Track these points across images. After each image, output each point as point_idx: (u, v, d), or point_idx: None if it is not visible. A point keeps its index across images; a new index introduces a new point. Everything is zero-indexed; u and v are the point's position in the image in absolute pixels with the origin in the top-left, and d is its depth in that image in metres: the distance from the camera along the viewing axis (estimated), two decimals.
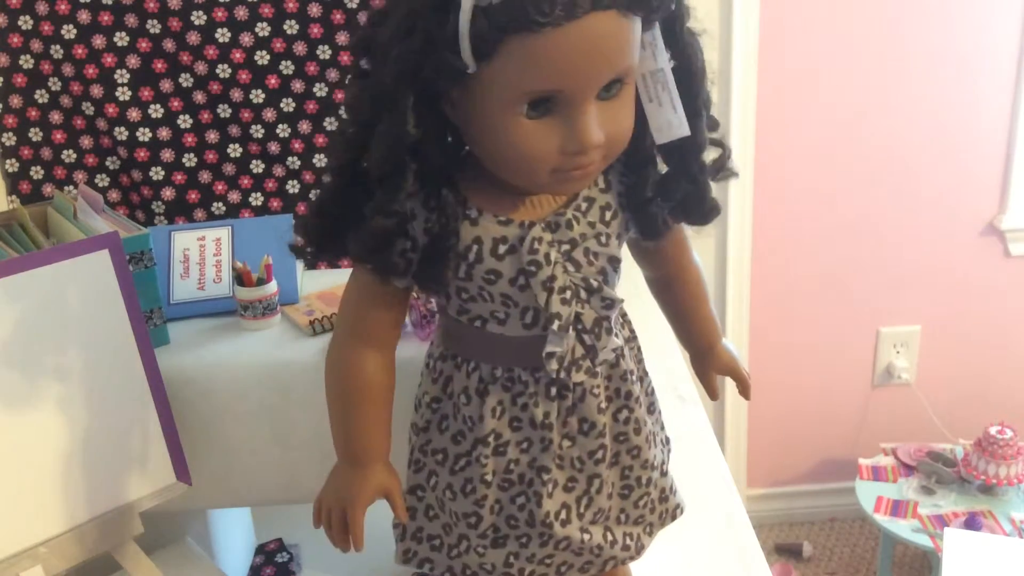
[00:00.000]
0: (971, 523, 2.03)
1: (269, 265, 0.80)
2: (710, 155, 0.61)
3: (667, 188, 0.60)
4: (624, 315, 0.68)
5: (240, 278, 0.79)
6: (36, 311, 0.67)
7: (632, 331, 0.69)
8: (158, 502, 0.74)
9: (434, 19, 0.51)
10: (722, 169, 0.61)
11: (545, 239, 0.58)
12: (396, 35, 0.53)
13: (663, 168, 0.60)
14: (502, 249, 0.58)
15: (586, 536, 0.64)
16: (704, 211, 0.61)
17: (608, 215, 0.60)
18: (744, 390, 0.72)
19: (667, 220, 0.61)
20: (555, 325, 0.58)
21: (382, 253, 0.56)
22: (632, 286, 0.72)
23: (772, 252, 2.17)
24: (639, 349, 0.69)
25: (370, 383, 0.62)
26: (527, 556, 0.65)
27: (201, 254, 0.86)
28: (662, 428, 0.73)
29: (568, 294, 0.58)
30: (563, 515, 0.63)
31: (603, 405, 0.63)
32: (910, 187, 2.04)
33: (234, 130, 1.12)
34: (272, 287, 0.79)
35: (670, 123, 0.56)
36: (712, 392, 0.73)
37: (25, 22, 1.06)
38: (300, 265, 0.88)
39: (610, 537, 0.66)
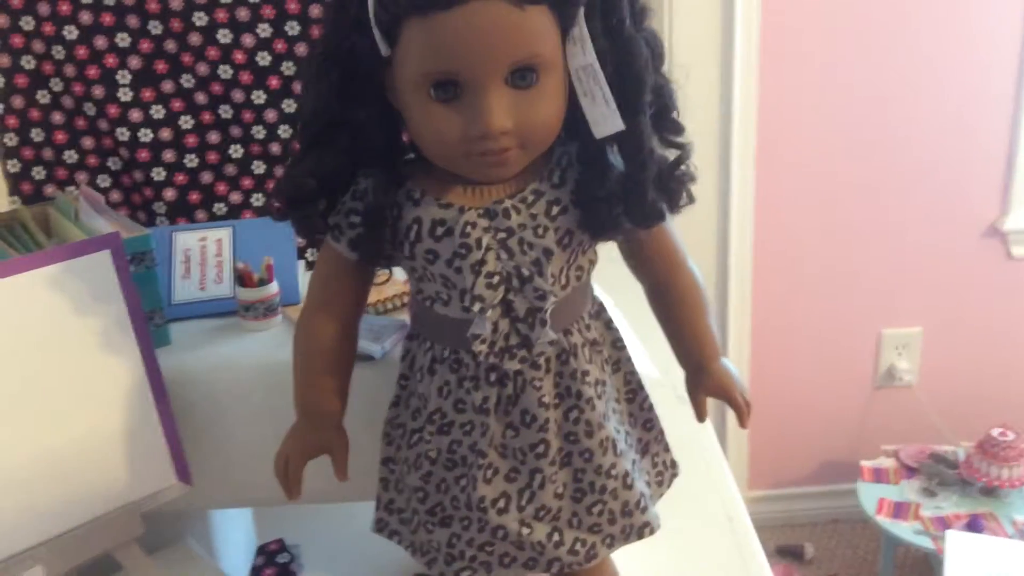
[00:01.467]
0: (973, 525, 2.03)
1: (270, 266, 0.80)
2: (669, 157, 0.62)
3: (617, 187, 0.60)
4: (599, 315, 0.68)
5: (241, 279, 0.79)
6: (37, 311, 0.67)
7: (605, 336, 0.68)
8: (159, 503, 0.74)
9: (357, 1, 0.57)
10: (676, 170, 0.62)
11: (480, 224, 0.60)
12: (333, 12, 0.60)
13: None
14: (440, 231, 0.61)
15: (526, 530, 0.65)
16: (643, 213, 0.61)
17: (555, 210, 0.61)
18: (740, 417, 0.70)
19: (619, 221, 0.61)
20: (476, 307, 0.60)
21: (300, 209, 0.62)
22: (630, 288, 0.72)
23: (774, 254, 2.17)
24: (620, 357, 0.69)
25: (324, 348, 0.67)
26: (467, 540, 0.66)
27: (202, 255, 0.86)
28: (666, 449, 0.73)
29: (496, 279, 0.60)
30: (500, 504, 0.64)
31: (546, 400, 0.63)
32: (912, 189, 2.04)
33: (236, 131, 1.12)
34: (274, 288, 0.79)
35: (604, 117, 0.58)
36: (700, 413, 0.71)
37: (27, 23, 1.06)
38: (302, 266, 0.88)
39: (556, 538, 0.66)
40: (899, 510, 2.12)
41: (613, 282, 0.77)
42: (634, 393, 0.70)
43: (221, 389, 0.77)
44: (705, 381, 0.70)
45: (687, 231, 0.69)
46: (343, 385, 0.69)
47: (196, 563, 0.81)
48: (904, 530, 2.07)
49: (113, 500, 0.72)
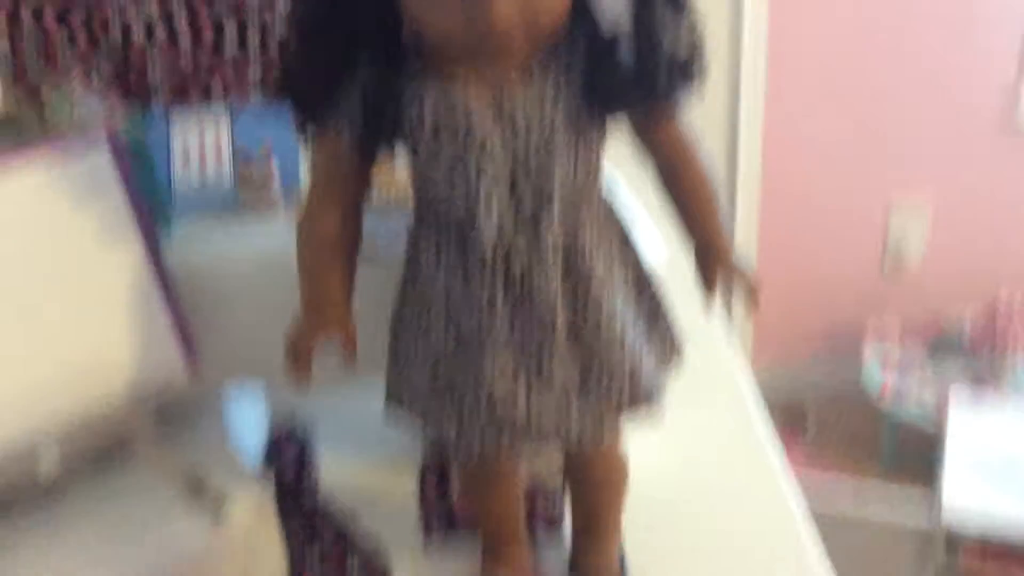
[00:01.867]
0: (976, 397, 2.06)
1: (269, 150, 0.79)
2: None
3: (627, 68, 0.59)
4: (607, 201, 0.67)
5: (241, 166, 0.78)
6: (35, 209, 0.67)
7: (614, 221, 0.68)
8: (169, 389, 0.75)
9: None
10: (687, 47, 0.61)
11: (484, 111, 0.59)
12: None
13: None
14: (442, 116, 0.60)
15: (534, 408, 0.65)
16: (653, 93, 0.61)
17: (562, 91, 0.60)
18: (747, 297, 0.70)
19: (629, 102, 0.60)
20: (482, 201, 0.59)
21: (298, 95, 0.62)
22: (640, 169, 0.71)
23: (783, 124, 2.14)
24: (628, 242, 0.69)
25: (327, 240, 0.67)
26: (477, 420, 0.66)
27: (200, 141, 0.85)
28: (672, 331, 0.73)
29: (501, 167, 0.59)
30: (509, 382, 0.65)
31: (554, 288, 0.63)
32: (926, 62, 1.99)
33: (231, 23, 1.09)
34: (274, 175, 0.78)
35: None
36: (708, 292, 0.70)
37: None
38: (301, 149, 0.87)
39: (563, 415, 0.66)
40: (902, 383, 2.15)
41: (623, 162, 0.76)
42: (642, 277, 0.70)
43: (227, 277, 0.77)
44: (713, 259, 0.69)
45: (696, 106, 0.67)
46: (349, 275, 0.69)
47: (212, 443, 0.83)
48: (907, 403, 2.11)
49: (123, 388, 0.73)
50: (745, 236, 2.27)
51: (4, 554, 0.72)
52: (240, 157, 0.78)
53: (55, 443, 0.69)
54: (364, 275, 0.71)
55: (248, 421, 1.00)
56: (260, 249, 0.78)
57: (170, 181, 0.83)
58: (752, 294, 0.70)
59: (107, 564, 0.71)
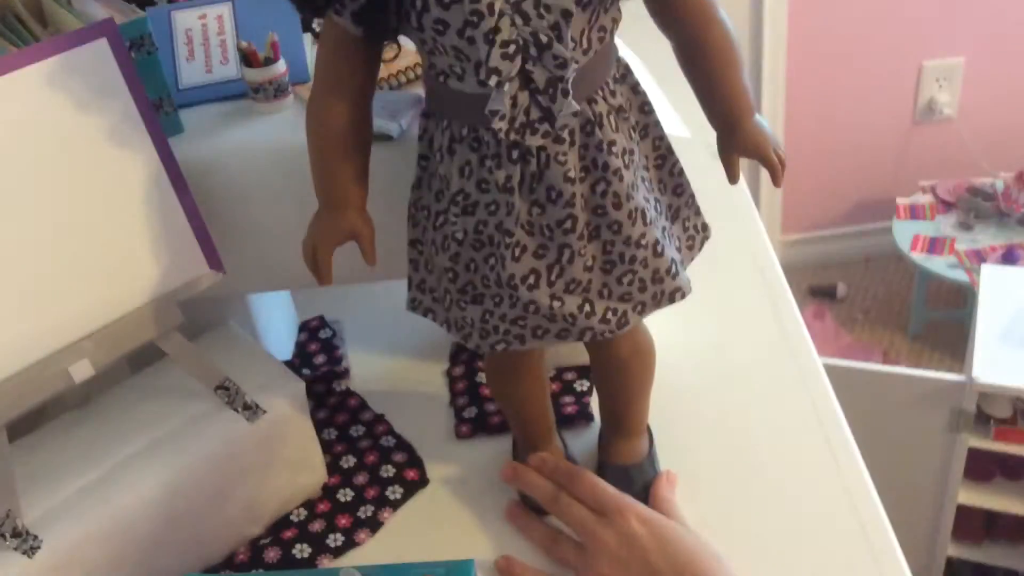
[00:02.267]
0: (1009, 256, 2.03)
1: (275, 43, 0.76)
2: None
3: None
4: (624, 79, 0.64)
5: (247, 59, 0.76)
6: (40, 109, 0.65)
7: (632, 100, 0.65)
8: (194, 290, 0.74)
9: None
10: None
11: None
12: None
13: None
14: None
15: (556, 303, 0.64)
16: None
17: None
18: (774, 177, 0.66)
19: None
20: (492, 80, 0.57)
21: None
22: (658, 46, 0.68)
23: None
24: (648, 122, 0.66)
25: (339, 134, 0.65)
26: (500, 315, 0.66)
27: (204, 34, 0.82)
28: (696, 213, 0.71)
29: (512, 48, 0.56)
30: (531, 280, 0.64)
31: (572, 174, 0.61)
32: None
33: None
34: (281, 67, 0.76)
35: None
36: (732, 175, 0.68)
37: None
38: (308, 40, 0.84)
39: (587, 308, 0.65)
40: (934, 245, 2.12)
41: (639, 40, 0.72)
42: (663, 158, 0.68)
43: (240, 175, 0.76)
44: (738, 140, 0.66)
45: None
46: (362, 169, 0.67)
47: (239, 344, 0.83)
48: (938, 264, 2.09)
49: (148, 291, 0.72)
50: (771, 105, 2.21)
51: (42, 457, 0.73)
52: (245, 50, 0.75)
53: (86, 350, 0.69)
54: (379, 161, 0.69)
55: (277, 316, 1.00)
56: (273, 142, 0.76)
57: (175, 74, 0.80)
58: (776, 170, 0.67)
59: (144, 468, 0.72)
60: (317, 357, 0.98)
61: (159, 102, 0.74)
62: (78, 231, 0.69)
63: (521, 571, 0.74)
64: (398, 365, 0.97)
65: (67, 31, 0.70)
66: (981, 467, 1.60)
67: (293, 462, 0.80)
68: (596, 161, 0.62)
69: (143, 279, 0.72)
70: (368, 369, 0.97)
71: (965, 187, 2.21)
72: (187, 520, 0.74)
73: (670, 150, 0.68)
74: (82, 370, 0.70)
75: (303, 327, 1.02)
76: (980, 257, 2.04)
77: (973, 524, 1.65)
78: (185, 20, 0.83)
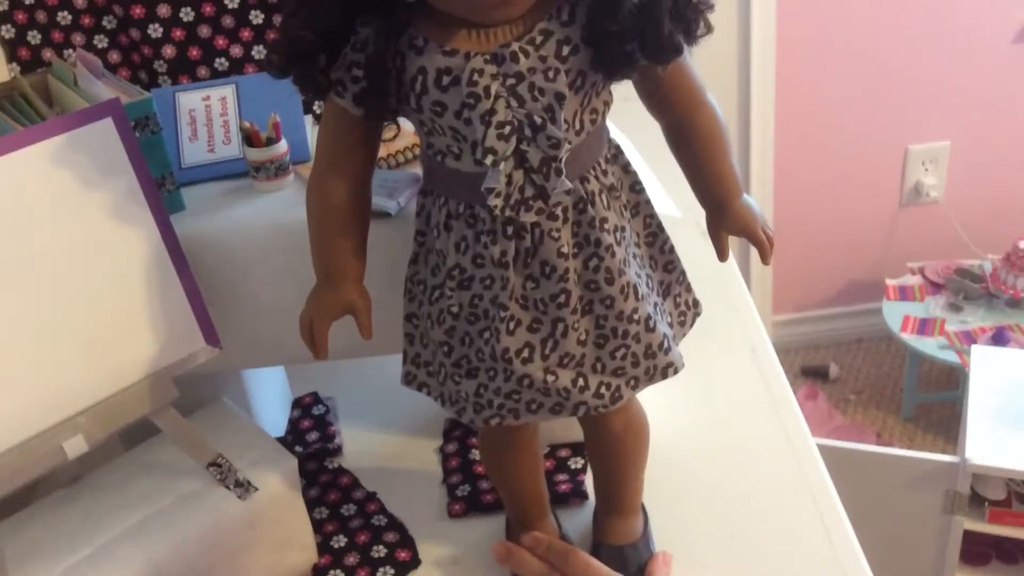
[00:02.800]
0: (999, 338, 2.04)
1: (277, 123, 0.78)
2: None
3: (630, 20, 0.57)
4: (616, 159, 0.66)
5: (249, 139, 0.77)
6: (44, 186, 0.67)
7: (623, 180, 0.66)
8: (190, 366, 0.75)
9: None
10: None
11: (487, 71, 0.58)
12: None
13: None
14: (446, 80, 0.58)
15: (551, 378, 0.65)
16: (659, 46, 0.58)
17: (566, 50, 0.58)
18: (762, 254, 0.68)
19: (633, 57, 0.58)
20: (488, 159, 0.58)
21: (299, 65, 0.60)
22: (647, 128, 0.70)
23: (797, 70, 2.10)
24: (639, 200, 0.67)
25: (337, 210, 0.67)
26: (494, 389, 0.66)
27: (208, 115, 0.84)
28: (688, 289, 0.72)
29: (507, 129, 0.58)
30: (525, 354, 0.64)
31: (565, 250, 0.62)
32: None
33: None
34: (282, 146, 0.78)
35: None
36: (721, 252, 0.69)
37: None
38: (309, 121, 0.86)
39: (580, 383, 0.66)
40: (924, 326, 2.13)
41: (629, 121, 0.74)
42: (654, 236, 0.69)
43: (239, 252, 0.77)
44: (727, 219, 0.68)
45: (705, 60, 0.65)
46: (360, 244, 0.68)
47: (234, 420, 0.83)
48: (929, 345, 2.09)
49: (144, 367, 0.73)
50: (760, 185, 2.25)
51: (32, 534, 0.72)
52: (248, 130, 0.77)
53: (80, 425, 0.69)
54: (377, 237, 0.70)
55: (270, 394, 1.00)
56: (273, 221, 0.77)
57: (178, 153, 0.82)
58: (764, 248, 0.68)
59: (136, 545, 0.71)
60: (310, 434, 0.98)
61: (162, 180, 0.76)
62: (77, 306, 0.69)
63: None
64: (391, 442, 0.97)
65: (73, 111, 0.72)
66: (977, 550, 1.58)
67: (284, 541, 0.79)
68: (589, 237, 0.63)
69: (140, 354, 0.72)
70: (361, 446, 0.96)
71: (953, 269, 2.23)
72: None
73: (660, 227, 0.69)
74: (76, 446, 0.69)
75: (296, 403, 1.02)
76: (970, 338, 2.05)
77: None
78: (189, 101, 0.85)
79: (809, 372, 2.45)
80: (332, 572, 0.82)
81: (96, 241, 0.69)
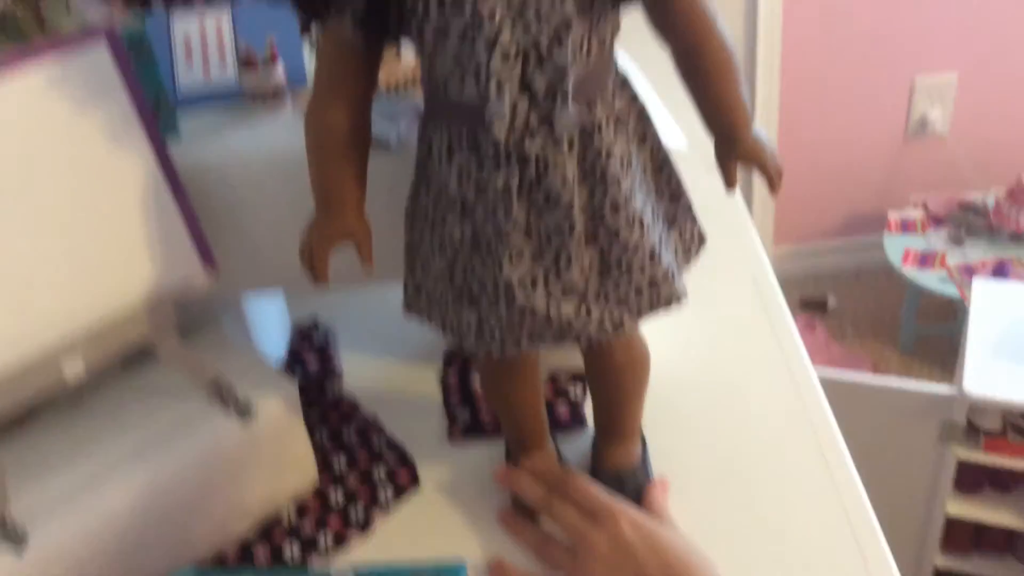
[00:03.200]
0: (1000, 272, 2.04)
1: (274, 48, 0.76)
2: None
3: None
4: (623, 87, 0.65)
5: (245, 63, 0.76)
6: (38, 113, 0.66)
7: (630, 108, 0.66)
8: (188, 291, 0.75)
9: None
10: None
11: None
12: None
13: None
14: (448, 3, 0.57)
15: (553, 307, 0.65)
16: None
17: None
18: (771, 185, 0.67)
19: None
20: (492, 86, 0.57)
21: None
22: (656, 56, 0.69)
23: (803, 2, 2.06)
24: (646, 130, 0.67)
25: (336, 137, 0.65)
26: (496, 318, 0.66)
27: (203, 39, 0.82)
28: (693, 220, 0.72)
29: (512, 55, 0.57)
30: (527, 283, 0.64)
31: (570, 180, 0.62)
32: None
33: None
34: (279, 71, 0.76)
35: None
36: (729, 180, 0.68)
37: None
38: (306, 45, 0.84)
39: (583, 313, 0.66)
40: (925, 259, 2.13)
41: (638, 50, 0.73)
42: (661, 166, 0.68)
43: (236, 178, 0.76)
44: (735, 149, 0.67)
45: None
46: (360, 171, 0.67)
47: (233, 345, 0.83)
48: (929, 279, 2.10)
49: (143, 291, 0.73)
50: (765, 116, 2.23)
51: (31, 454, 0.73)
52: (244, 55, 0.76)
53: (79, 347, 0.69)
54: (377, 166, 0.69)
55: (270, 319, 1.00)
56: (270, 147, 0.76)
57: (173, 79, 0.81)
58: (773, 179, 0.68)
59: (135, 466, 0.72)
60: (310, 359, 0.98)
61: (157, 105, 0.75)
62: (74, 230, 0.69)
63: (513, 574, 0.74)
64: (391, 368, 0.97)
65: (65, 32, 0.71)
66: (970, 479, 1.60)
67: (284, 463, 0.80)
68: (595, 167, 0.62)
69: (138, 278, 0.72)
70: (361, 372, 0.97)
71: (956, 202, 2.22)
72: (176, 519, 0.74)
73: (667, 158, 0.69)
74: (74, 368, 0.70)
75: (296, 330, 1.02)
76: (971, 272, 2.05)
77: (961, 536, 1.66)
78: (184, 25, 0.83)
79: (808, 304, 2.46)
80: (333, 493, 0.83)
81: (91, 166, 0.69)
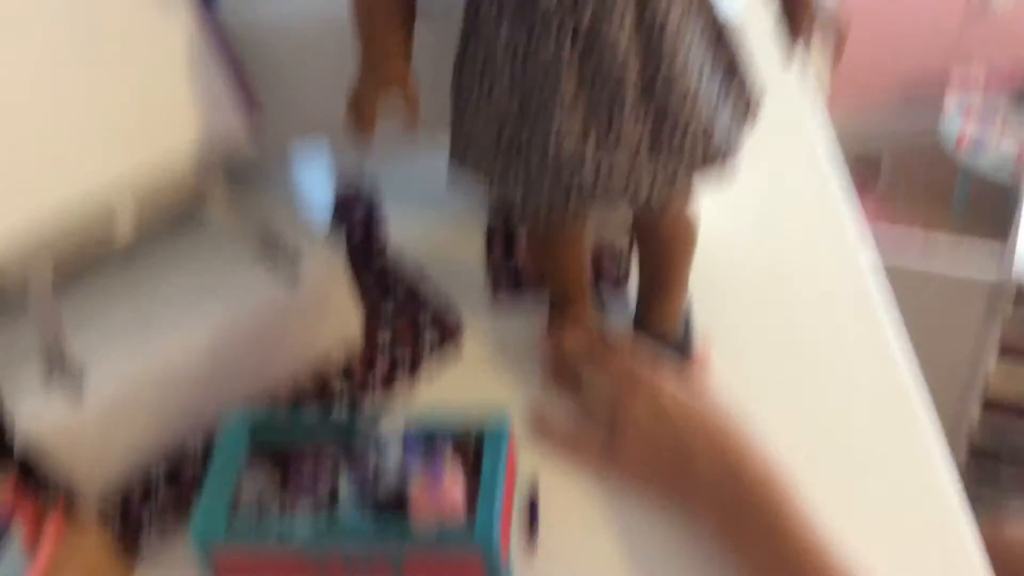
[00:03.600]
0: None
1: None
2: None
3: None
4: None
5: None
6: None
7: None
8: (236, 147, 0.74)
9: None
10: None
11: None
12: None
13: None
14: None
15: (603, 169, 0.63)
16: None
17: None
18: (838, 44, 0.65)
19: None
20: None
21: None
22: None
23: None
24: None
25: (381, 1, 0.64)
26: (547, 179, 0.65)
27: None
28: (751, 82, 0.69)
29: None
30: (579, 138, 0.62)
31: (624, 41, 0.59)
32: None
33: None
34: None
35: None
36: (794, 34, 0.66)
37: None
38: None
39: (633, 175, 0.64)
40: (983, 131, 2.06)
41: None
42: (719, 24, 0.65)
43: (281, 37, 0.74)
44: (799, 9, 0.65)
45: None
46: (407, 30, 0.66)
47: (281, 208, 0.83)
48: (986, 152, 2.03)
49: (191, 148, 0.72)
50: None
51: (84, 314, 0.75)
52: None
53: (128, 203, 0.70)
54: (423, 30, 0.67)
55: (315, 180, 1.00)
56: (316, 6, 0.74)
57: None
58: (839, 42, 0.65)
59: (183, 321, 0.73)
60: (355, 217, 0.98)
61: None
62: (117, 84, 0.68)
63: (554, 428, 0.75)
64: (436, 227, 0.97)
65: None
66: (1016, 347, 1.59)
67: (334, 312, 0.81)
68: (653, 18, 0.60)
69: (186, 135, 0.72)
70: (406, 231, 0.97)
71: (1017, 78, 2.13)
72: (231, 367, 0.76)
73: (726, 21, 0.66)
74: (125, 225, 0.70)
75: (341, 188, 1.02)
76: None
77: (1002, 400, 1.66)
78: None
79: (862, 160, 2.40)
80: (381, 338, 0.84)
81: (132, 22, 0.67)
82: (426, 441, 0.67)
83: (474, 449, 0.68)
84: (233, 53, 0.72)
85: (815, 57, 2.16)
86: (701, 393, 0.72)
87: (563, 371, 0.79)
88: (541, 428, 0.76)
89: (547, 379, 0.79)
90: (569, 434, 0.75)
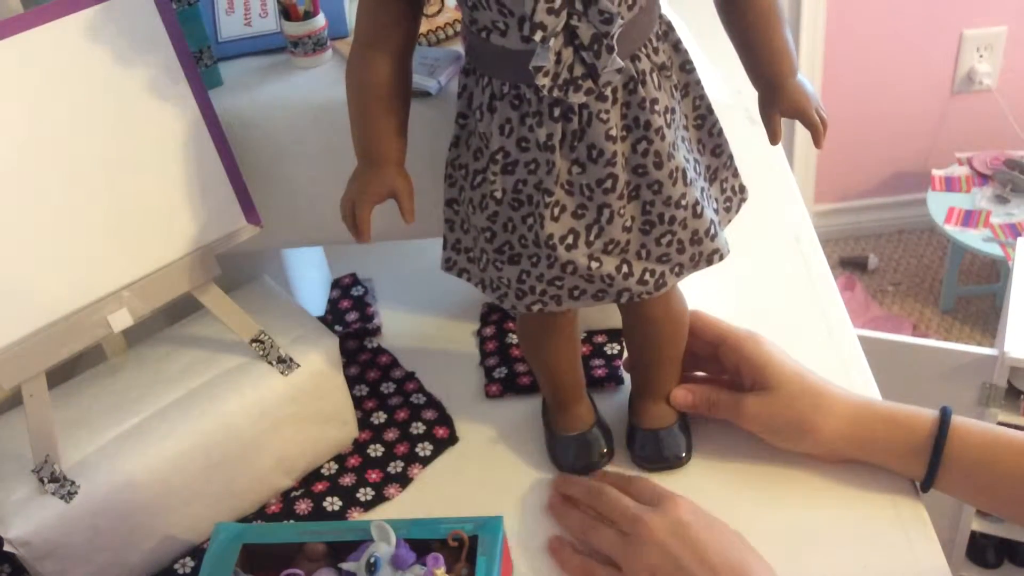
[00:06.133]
0: None
1: None
2: None
3: None
4: (667, 37, 0.64)
5: (286, 12, 0.75)
6: (80, 58, 0.66)
7: (674, 59, 0.64)
8: (232, 244, 0.75)
9: None
10: None
11: None
12: None
13: None
14: None
15: (595, 264, 0.64)
16: None
17: None
18: (815, 137, 0.66)
19: None
20: (537, 35, 0.56)
21: None
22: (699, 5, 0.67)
23: None
24: (689, 81, 0.65)
25: (379, 88, 0.65)
26: (537, 275, 0.66)
27: None
28: (735, 174, 0.70)
29: (557, 3, 0.55)
30: (569, 240, 0.64)
31: (614, 133, 0.61)
32: None
33: None
34: (320, 21, 0.75)
35: None
36: (773, 134, 0.67)
37: None
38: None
39: (625, 270, 0.65)
40: (969, 218, 2.09)
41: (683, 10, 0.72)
42: (703, 118, 0.67)
43: (279, 129, 0.76)
44: (780, 100, 0.66)
45: None
46: (402, 124, 0.67)
47: (274, 299, 0.83)
48: (972, 238, 2.06)
49: (187, 243, 0.73)
50: (809, 68, 2.18)
51: (79, 405, 0.74)
52: (285, 4, 0.75)
53: (125, 300, 0.70)
54: (417, 115, 0.68)
55: (309, 273, 1.00)
56: (311, 98, 0.75)
57: (215, 28, 0.80)
58: (818, 130, 0.66)
59: (179, 413, 0.73)
60: (349, 314, 0.98)
61: (199, 54, 0.74)
62: (118, 182, 0.69)
63: (570, 553, 0.73)
64: (429, 324, 0.97)
65: None
66: None
67: (325, 416, 0.81)
68: (638, 119, 0.61)
69: (182, 231, 0.73)
70: (399, 327, 0.97)
71: (1002, 160, 2.17)
72: (221, 470, 0.75)
73: (710, 109, 0.67)
74: (121, 320, 0.70)
75: (336, 284, 1.02)
76: (1015, 231, 2.01)
77: None
78: None
79: (848, 263, 2.42)
80: (372, 446, 0.84)
81: (134, 116, 0.69)
82: (418, 547, 0.66)
83: (468, 549, 0.67)
84: (228, 147, 0.73)
85: (800, 144, 2.20)
86: (710, 524, 0.68)
87: (571, 518, 0.75)
88: (561, 555, 0.73)
89: (552, 505, 0.77)
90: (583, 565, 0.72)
